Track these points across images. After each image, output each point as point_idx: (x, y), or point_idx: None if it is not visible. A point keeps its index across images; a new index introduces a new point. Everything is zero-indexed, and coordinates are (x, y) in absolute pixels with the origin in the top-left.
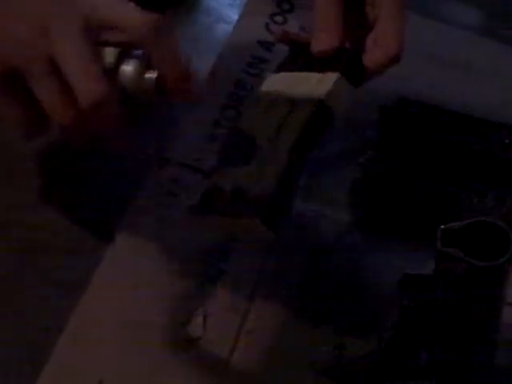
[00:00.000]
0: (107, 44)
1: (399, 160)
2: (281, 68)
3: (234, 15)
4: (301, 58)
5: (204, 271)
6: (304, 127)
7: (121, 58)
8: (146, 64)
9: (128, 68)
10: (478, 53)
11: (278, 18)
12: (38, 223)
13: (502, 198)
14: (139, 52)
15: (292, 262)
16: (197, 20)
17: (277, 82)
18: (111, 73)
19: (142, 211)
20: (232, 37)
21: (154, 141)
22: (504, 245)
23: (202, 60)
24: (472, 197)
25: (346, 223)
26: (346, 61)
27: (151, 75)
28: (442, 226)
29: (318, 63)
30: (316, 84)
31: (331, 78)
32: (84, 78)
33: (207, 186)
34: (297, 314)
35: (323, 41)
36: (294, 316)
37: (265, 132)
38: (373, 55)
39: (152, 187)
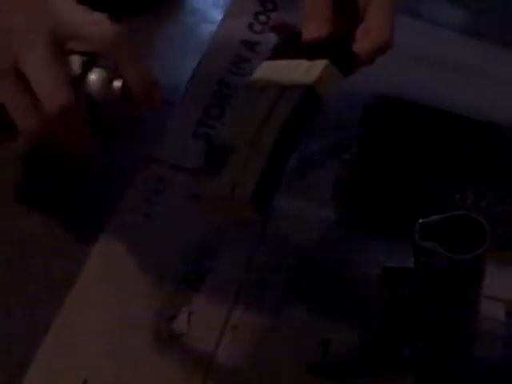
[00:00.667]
0: (73, 53)
1: (383, 157)
2: (272, 57)
3: (218, 15)
4: (292, 46)
5: (190, 268)
6: (292, 112)
7: (87, 67)
8: (113, 73)
9: (94, 77)
10: (465, 53)
11: (262, 18)
12: (25, 223)
13: (481, 193)
14: (107, 61)
15: (278, 259)
16: (181, 20)
17: (267, 70)
18: (79, 82)
19: (129, 210)
20: (216, 36)
21: (139, 140)
22: (480, 237)
23: (187, 60)
24: (453, 193)
25: (330, 220)
26: (335, 48)
27: (117, 83)
28: (420, 220)
29: (308, 51)
30: (305, 71)
31: (320, 64)
32: (49, 86)
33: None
34: (282, 310)
35: (313, 29)
36: (279, 312)
37: (253, 118)
38: (362, 43)
39: (138, 186)
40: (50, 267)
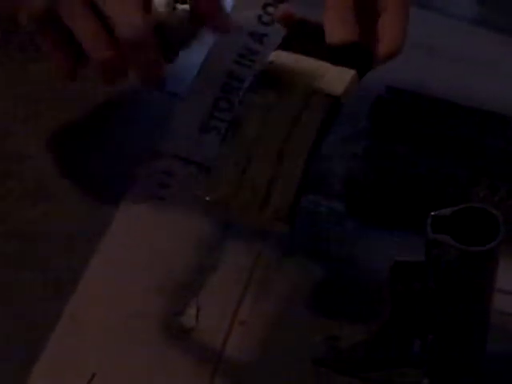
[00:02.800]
0: None
1: (394, 150)
2: (287, 46)
3: (226, 7)
4: (305, 39)
5: (199, 262)
6: (322, 123)
7: None
8: None
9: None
10: (473, 43)
11: (271, 9)
12: (34, 215)
13: (495, 186)
14: None
15: (286, 253)
16: None
17: (287, 60)
18: (147, 6)
19: (135, 203)
20: None
21: (147, 133)
22: (494, 230)
23: (195, 52)
24: (466, 186)
25: (341, 213)
26: (361, 57)
27: (184, 6)
28: (433, 213)
29: (330, 53)
30: (332, 79)
31: (347, 74)
32: (123, 11)
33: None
34: (290, 305)
35: (341, 32)
36: (288, 307)
37: (279, 124)
38: (377, 48)
39: (145, 179)
40: (58, 259)
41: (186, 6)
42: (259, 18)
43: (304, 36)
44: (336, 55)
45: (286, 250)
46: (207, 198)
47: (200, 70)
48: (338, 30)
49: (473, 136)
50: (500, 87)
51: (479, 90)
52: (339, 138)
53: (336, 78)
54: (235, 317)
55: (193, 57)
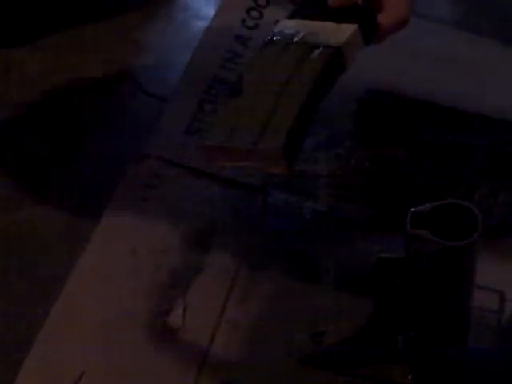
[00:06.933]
0: None
1: (376, 151)
2: (294, 16)
3: (210, 11)
4: (313, 8)
5: (185, 262)
6: (322, 69)
7: None
8: None
9: None
10: (453, 45)
11: (254, 13)
12: (20, 218)
13: (475, 184)
14: None
15: (271, 253)
16: (174, 16)
17: (291, 26)
18: None
19: (122, 204)
20: (208, 32)
21: (133, 136)
22: (472, 225)
23: (180, 56)
24: (446, 185)
25: (324, 213)
26: (360, 15)
27: None
28: (412, 209)
29: (332, 15)
30: (333, 32)
31: (348, 28)
32: None
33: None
34: (276, 304)
35: None
36: (274, 305)
37: (280, 69)
38: (384, 15)
39: (131, 181)
40: (46, 260)
41: None
42: (243, 21)
43: (310, 9)
44: (339, 16)
45: (271, 250)
46: (206, 143)
47: (185, 72)
48: None
49: (454, 136)
50: (480, 88)
51: (460, 91)
52: (324, 139)
53: (337, 31)
54: (222, 316)
55: (178, 60)
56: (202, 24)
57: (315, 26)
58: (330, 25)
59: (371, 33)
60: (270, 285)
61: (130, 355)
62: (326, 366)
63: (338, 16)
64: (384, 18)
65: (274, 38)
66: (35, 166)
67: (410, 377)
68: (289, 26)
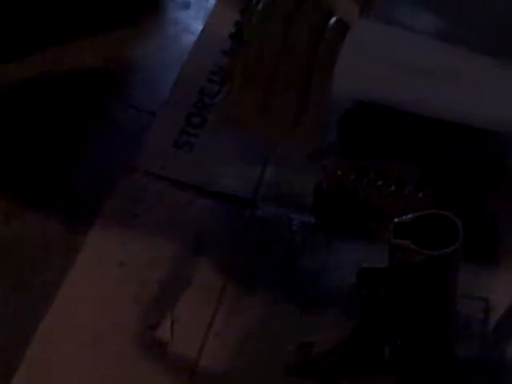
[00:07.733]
0: None
1: (361, 162)
2: None
3: (199, 26)
4: None
5: (173, 276)
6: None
7: None
8: None
9: None
10: (437, 57)
11: None
12: (4, 231)
13: (461, 194)
14: None
15: (258, 266)
16: (163, 31)
17: None
18: None
19: (111, 218)
20: (196, 46)
21: (122, 149)
22: (453, 235)
23: (168, 69)
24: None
25: (310, 225)
26: None
27: None
28: (395, 220)
29: None
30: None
31: None
32: None
33: None
34: (263, 316)
35: None
36: (261, 317)
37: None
38: None
39: (119, 195)
40: (35, 274)
41: None
42: (231, 36)
43: None
44: None
45: (258, 263)
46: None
47: (173, 86)
48: None
49: (439, 147)
50: (465, 99)
51: (445, 102)
52: (311, 151)
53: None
54: (209, 329)
55: (166, 74)
56: (192, 38)
57: None
58: None
59: None
60: (257, 297)
61: (120, 368)
62: (314, 377)
63: None
64: None
65: None
66: (24, 180)
67: None
68: None
